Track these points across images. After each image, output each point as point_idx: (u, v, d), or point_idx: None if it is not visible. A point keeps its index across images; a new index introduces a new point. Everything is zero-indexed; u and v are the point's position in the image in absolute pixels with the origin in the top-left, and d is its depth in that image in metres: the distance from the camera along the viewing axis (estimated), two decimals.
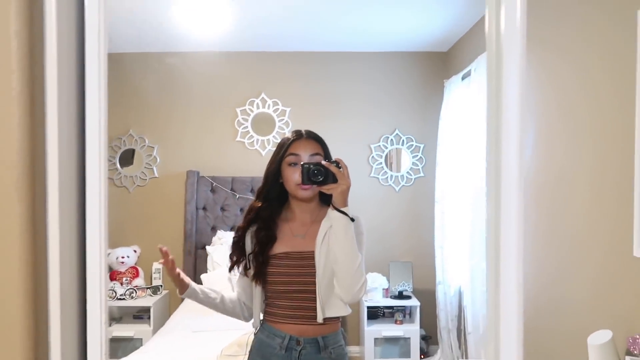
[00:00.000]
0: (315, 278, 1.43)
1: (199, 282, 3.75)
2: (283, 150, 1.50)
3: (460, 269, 3.45)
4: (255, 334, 1.55)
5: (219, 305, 1.59)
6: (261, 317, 1.55)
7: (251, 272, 1.50)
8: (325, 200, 1.52)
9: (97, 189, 0.84)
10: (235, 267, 1.56)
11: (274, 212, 1.51)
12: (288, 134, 1.55)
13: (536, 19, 2.35)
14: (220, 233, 3.92)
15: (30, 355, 0.73)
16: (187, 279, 1.56)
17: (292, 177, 1.47)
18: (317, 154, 1.49)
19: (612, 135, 1.83)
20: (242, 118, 4.12)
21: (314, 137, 1.53)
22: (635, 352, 1.52)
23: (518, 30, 0.72)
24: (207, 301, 1.58)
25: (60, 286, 0.77)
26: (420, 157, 4.15)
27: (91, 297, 0.79)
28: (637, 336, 1.53)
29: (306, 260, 1.45)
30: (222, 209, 4.05)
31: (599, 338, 1.72)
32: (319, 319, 1.43)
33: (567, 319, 2.12)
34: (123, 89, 3.98)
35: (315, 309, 1.44)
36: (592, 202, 1.96)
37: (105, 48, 0.88)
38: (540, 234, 2.34)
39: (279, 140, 1.81)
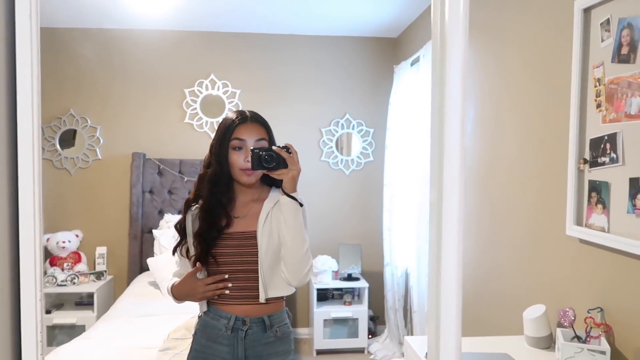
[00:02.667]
0: (257, 258, 1.44)
1: (145, 266, 3.68)
2: (228, 134, 1.46)
3: (407, 251, 3.55)
4: (199, 316, 1.54)
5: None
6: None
7: (192, 255, 1.49)
8: (266, 181, 1.52)
9: (30, 170, 0.80)
10: (178, 249, 1.54)
11: (217, 196, 1.48)
12: (231, 113, 1.51)
13: (478, 5, 2.42)
14: (167, 216, 3.83)
15: None
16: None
17: (237, 161, 1.45)
18: (262, 138, 1.48)
19: (548, 116, 1.93)
20: (191, 99, 4.01)
21: (259, 121, 1.51)
22: (565, 323, 1.63)
23: (461, 15, 0.73)
24: None
25: None
26: (370, 141, 4.20)
27: (25, 283, 0.76)
28: (567, 309, 1.64)
29: (248, 240, 1.45)
30: (170, 192, 3.96)
31: (533, 312, 1.83)
32: (262, 299, 1.45)
33: (504, 294, 2.24)
34: (64, 67, 3.77)
35: (258, 289, 1.44)
36: (531, 184, 2.07)
37: (37, 22, 0.83)
38: (477, 212, 2.45)
39: None
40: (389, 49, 4.16)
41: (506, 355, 1.72)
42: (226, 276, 1.46)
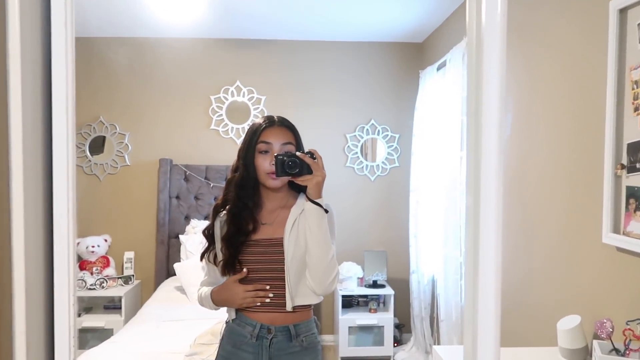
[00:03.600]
0: (284, 265, 1.42)
1: (172, 271, 3.71)
2: (255, 137, 1.46)
3: (434, 258, 3.49)
4: (227, 322, 1.53)
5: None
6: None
7: (220, 260, 1.49)
8: (294, 187, 1.50)
9: (64, 176, 0.81)
10: (205, 256, 1.54)
11: (244, 200, 1.48)
12: (260, 118, 1.51)
13: (513, 6, 2.37)
14: (194, 222, 3.87)
15: None
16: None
17: (263, 165, 1.44)
18: (289, 142, 1.47)
19: (583, 119, 1.87)
20: (217, 106, 4.05)
21: (286, 125, 1.50)
22: (602, 335, 1.56)
23: (499, 16, 0.71)
24: None
25: (25, 275, 0.74)
26: (396, 147, 4.17)
27: (59, 287, 0.76)
28: (605, 320, 1.58)
29: (275, 247, 1.44)
30: (196, 197, 3.99)
31: (567, 323, 1.77)
32: (289, 307, 1.43)
33: (538, 304, 2.17)
34: (94, 75, 3.86)
35: (284, 296, 1.43)
36: (563, 190, 2.00)
37: (72, 31, 0.84)
38: (512, 219, 2.39)
39: None
40: (415, 54, 4.13)
41: None
42: (267, 287, 1.44)
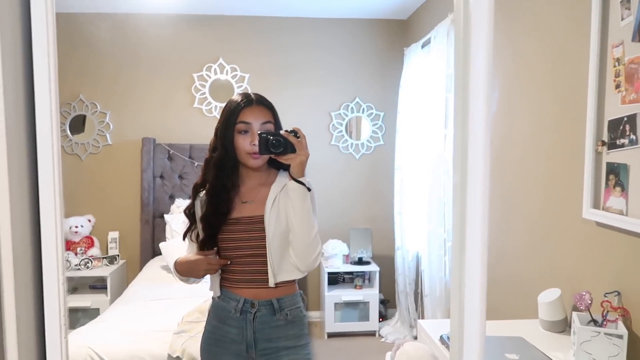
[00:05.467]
0: (265, 242, 1.43)
1: (157, 250, 3.71)
2: (233, 117, 1.44)
3: (418, 235, 3.54)
4: (213, 298, 1.55)
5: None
6: (218, 283, 1.54)
7: (200, 239, 1.49)
8: (273, 164, 1.50)
9: (49, 155, 0.80)
10: (188, 234, 1.55)
11: (222, 180, 1.47)
12: (236, 96, 1.49)
13: None
14: (178, 201, 3.85)
15: None
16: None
17: (243, 145, 1.43)
18: (268, 121, 1.46)
19: (565, 97, 1.90)
20: (200, 84, 4.00)
21: (265, 104, 1.48)
22: (581, 307, 1.62)
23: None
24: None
25: (13, 255, 0.73)
26: (380, 125, 4.17)
27: (47, 267, 0.76)
28: (584, 293, 1.63)
29: (255, 224, 1.44)
30: (180, 177, 3.97)
31: (548, 296, 1.83)
32: (271, 283, 1.44)
33: (520, 278, 2.23)
34: (73, 52, 3.77)
35: (267, 273, 1.44)
36: (545, 166, 2.04)
37: (52, 7, 0.82)
38: (494, 195, 2.43)
39: None
40: (399, 31, 4.10)
41: (521, 339, 1.72)
42: (229, 262, 1.46)
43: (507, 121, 2.34)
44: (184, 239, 1.57)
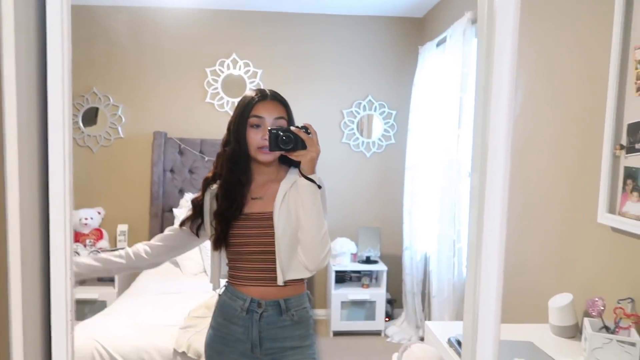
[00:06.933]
0: (274, 239, 1.41)
1: None
2: (247, 111, 1.43)
3: (428, 235, 3.51)
4: (219, 295, 1.53)
5: (126, 264, 1.54)
6: (222, 280, 1.53)
7: (208, 233, 1.48)
8: (285, 161, 1.48)
9: (60, 147, 0.79)
10: (187, 223, 1.52)
11: (236, 174, 1.46)
12: (250, 91, 1.48)
13: None
14: (188, 196, 3.85)
15: None
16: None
17: (255, 139, 1.42)
18: (281, 117, 1.44)
19: (584, 98, 1.86)
20: (212, 79, 3.99)
21: (279, 99, 1.47)
22: (593, 313, 1.59)
23: None
24: (106, 269, 1.53)
25: (21, 247, 0.72)
26: (392, 123, 4.14)
27: (55, 259, 0.75)
28: (596, 299, 1.60)
29: (265, 221, 1.42)
30: (191, 171, 3.97)
31: (559, 301, 1.80)
32: (280, 282, 1.42)
33: (530, 281, 2.20)
34: (87, 45, 3.77)
35: (275, 270, 1.42)
36: (560, 168, 2.00)
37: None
38: (511, 200, 2.39)
39: None
40: (414, 29, 4.07)
41: (530, 344, 1.69)
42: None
43: (527, 121, 2.30)
44: (181, 226, 1.53)
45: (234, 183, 1.45)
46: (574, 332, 1.78)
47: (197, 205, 1.51)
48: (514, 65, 0.68)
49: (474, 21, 2.90)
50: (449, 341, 1.74)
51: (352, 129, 4.12)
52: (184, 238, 1.55)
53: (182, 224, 1.54)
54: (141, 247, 1.56)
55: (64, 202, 0.75)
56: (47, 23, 0.79)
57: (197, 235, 1.53)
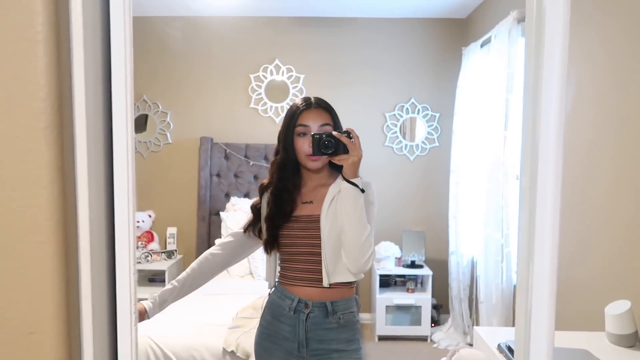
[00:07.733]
0: (320, 241, 1.45)
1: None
2: (293, 120, 1.49)
3: (474, 239, 3.44)
4: (269, 294, 1.58)
5: (200, 277, 1.60)
6: (276, 279, 1.58)
7: (264, 236, 1.54)
8: (335, 166, 1.52)
9: (124, 153, 0.84)
10: (249, 229, 1.60)
11: (284, 181, 1.51)
12: (297, 100, 1.53)
13: None
14: (233, 199, 3.94)
15: (61, 312, 0.74)
16: (142, 306, 1.54)
17: (302, 147, 1.47)
18: (326, 124, 1.48)
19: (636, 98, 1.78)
20: (256, 84, 4.08)
21: (323, 106, 1.51)
22: None
23: None
24: (184, 291, 1.62)
25: (90, 238, 0.77)
26: (436, 126, 4.09)
27: (120, 258, 0.80)
28: None
29: (312, 223, 1.47)
30: (236, 175, 4.06)
31: (616, 308, 1.73)
32: (325, 284, 1.45)
33: (585, 286, 2.12)
34: (136, 54, 3.93)
35: (321, 272, 1.46)
36: (617, 173, 1.93)
37: (130, 11, 0.87)
38: (564, 202, 2.31)
39: None
40: (457, 30, 4.01)
41: (586, 352, 1.63)
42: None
43: (592, 119, 2.21)
44: (244, 231, 1.61)
45: (281, 190, 1.51)
46: (633, 340, 1.71)
47: (256, 209, 1.59)
48: (565, 64, 0.67)
49: (520, 20, 2.83)
50: (499, 347, 1.70)
51: (395, 132, 4.10)
52: (244, 242, 1.62)
53: (245, 229, 1.61)
54: (207, 253, 1.62)
55: (127, 205, 0.80)
56: (111, 37, 0.85)
57: (260, 237, 1.59)
